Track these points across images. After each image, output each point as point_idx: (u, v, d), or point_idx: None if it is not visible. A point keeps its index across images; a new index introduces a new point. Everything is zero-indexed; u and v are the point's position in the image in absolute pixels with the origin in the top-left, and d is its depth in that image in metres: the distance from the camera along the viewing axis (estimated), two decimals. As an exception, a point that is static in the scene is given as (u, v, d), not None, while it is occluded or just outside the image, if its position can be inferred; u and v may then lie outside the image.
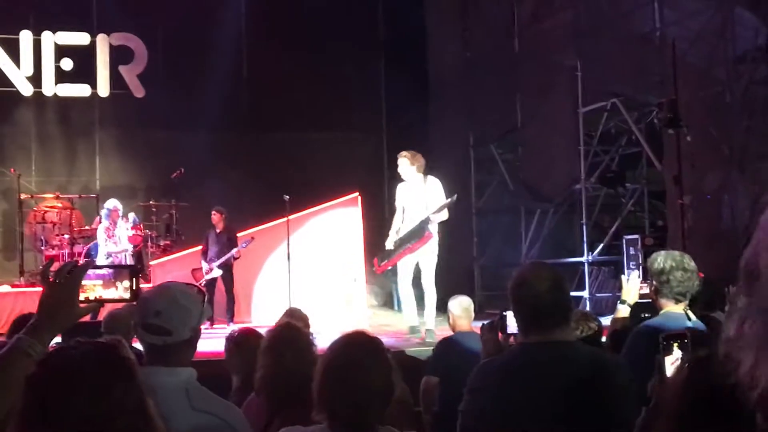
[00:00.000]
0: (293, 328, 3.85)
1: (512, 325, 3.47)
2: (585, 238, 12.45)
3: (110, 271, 2.26)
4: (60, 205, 13.06)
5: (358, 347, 2.68)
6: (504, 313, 3.55)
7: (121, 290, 2.24)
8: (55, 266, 2.17)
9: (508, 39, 13.94)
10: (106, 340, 1.87)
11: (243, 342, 4.35)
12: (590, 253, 12.42)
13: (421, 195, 9.71)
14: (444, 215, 9.66)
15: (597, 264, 12.65)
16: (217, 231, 11.66)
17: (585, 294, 12.07)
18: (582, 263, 12.38)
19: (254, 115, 14.48)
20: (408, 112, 15.42)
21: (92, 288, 2.19)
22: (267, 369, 3.58)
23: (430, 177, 9.92)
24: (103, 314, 8.98)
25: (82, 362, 1.78)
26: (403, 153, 10.02)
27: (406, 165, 9.89)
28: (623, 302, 4.55)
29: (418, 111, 15.55)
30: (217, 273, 11.43)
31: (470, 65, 14.88)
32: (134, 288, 2.24)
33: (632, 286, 4.55)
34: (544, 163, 13.31)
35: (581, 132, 12.45)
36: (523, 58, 13.69)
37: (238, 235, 11.93)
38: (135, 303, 2.45)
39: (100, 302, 2.25)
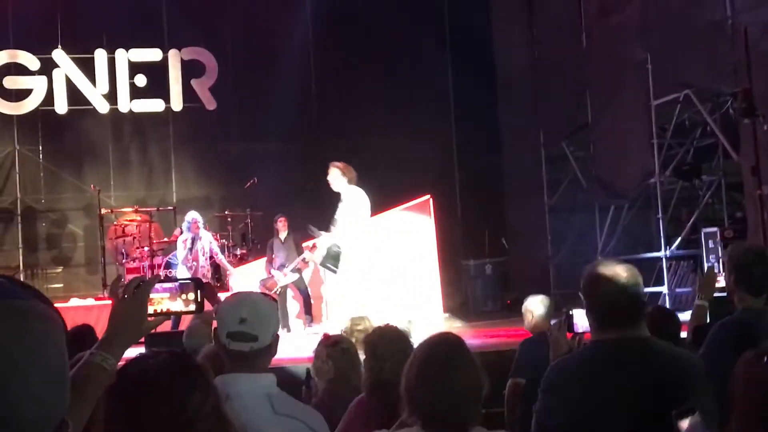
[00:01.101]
0: (398, 331, 3.92)
1: (579, 323, 3.43)
2: (662, 233, 12.25)
3: (176, 284, 2.29)
4: (139, 218, 13.37)
5: (449, 347, 2.69)
6: (570, 312, 3.50)
7: (186, 302, 2.27)
8: (125, 281, 2.24)
9: (576, 35, 13.82)
10: (180, 350, 1.94)
11: (336, 347, 4.38)
12: (668, 247, 12.22)
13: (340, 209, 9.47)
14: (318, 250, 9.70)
15: (675, 258, 12.43)
16: (282, 238, 11.78)
17: (664, 289, 11.87)
18: (660, 258, 12.19)
19: (323, 121, 14.61)
20: (477, 113, 15.40)
21: (160, 301, 2.24)
22: (380, 373, 3.64)
23: (353, 189, 9.57)
24: (183, 324, 9.19)
25: (159, 371, 1.84)
26: (336, 163, 9.70)
27: (338, 176, 9.57)
28: (701, 297, 4.45)
29: (487, 111, 15.51)
30: (291, 278, 11.54)
31: (538, 63, 14.78)
32: (199, 300, 2.28)
33: (710, 281, 4.45)
34: (617, 158, 13.14)
35: (654, 125, 12.26)
36: (592, 54, 13.54)
37: (305, 244, 12.03)
38: (204, 313, 2.49)
39: (168, 315, 2.29)
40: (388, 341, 3.84)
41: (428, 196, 13.41)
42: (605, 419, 2.80)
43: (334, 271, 10.10)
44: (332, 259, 9.91)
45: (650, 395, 2.78)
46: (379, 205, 12.85)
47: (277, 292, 11.33)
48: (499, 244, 15.42)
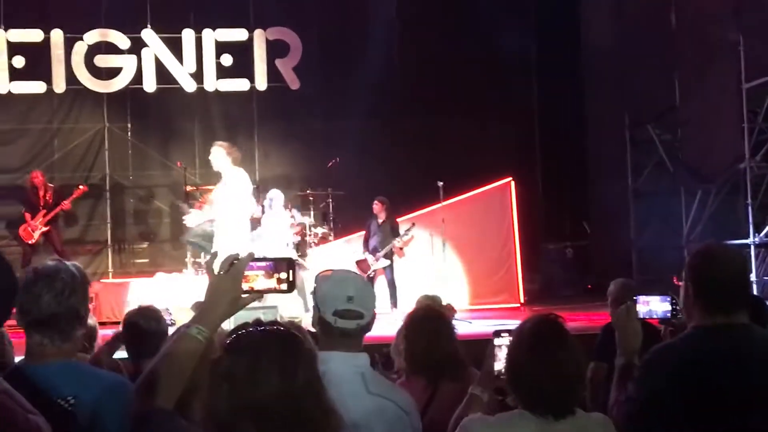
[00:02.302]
0: (435, 310, 3.94)
1: (641, 310, 3.34)
2: (750, 219, 11.95)
3: (270, 262, 2.32)
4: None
5: (557, 327, 2.68)
6: (635, 298, 3.39)
7: (279, 281, 2.30)
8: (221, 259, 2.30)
9: (664, 14, 13.49)
10: (286, 327, 1.97)
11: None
12: (756, 234, 11.91)
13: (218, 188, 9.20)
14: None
15: (764, 246, 12.12)
16: (379, 221, 11.86)
17: (752, 277, 11.59)
18: (747, 245, 11.89)
19: (406, 101, 14.57)
20: (561, 93, 15.19)
21: (255, 278, 2.27)
22: (419, 348, 3.66)
23: (235, 170, 9.18)
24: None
25: (269, 345, 1.87)
26: (219, 143, 9.35)
27: (222, 155, 9.15)
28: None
29: (572, 91, 15.29)
30: (383, 263, 11.63)
31: (624, 43, 14.46)
32: (291, 279, 2.30)
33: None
34: (706, 142, 12.84)
35: (745, 109, 11.94)
36: (681, 34, 13.21)
37: (396, 221, 12.09)
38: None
39: (261, 293, 2.32)
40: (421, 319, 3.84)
41: (509, 179, 13.34)
42: (718, 408, 2.72)
43: (202, 249, 10.09)
44: (201, 237, 9.92)
45: (763, 381, 2.71)
46: (459, 187, 12.84)
47: (370, 275, 11.44)
48: (581, 227, 15.23)
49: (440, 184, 11.51)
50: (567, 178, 15.25)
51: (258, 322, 1.94)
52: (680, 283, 2.98)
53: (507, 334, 3.12)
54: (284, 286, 2.30)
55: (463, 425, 2.70)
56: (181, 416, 2.05)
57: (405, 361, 3.74)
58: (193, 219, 9.95)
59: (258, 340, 1.89)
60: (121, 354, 4.41)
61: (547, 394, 2.56)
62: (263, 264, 2.31)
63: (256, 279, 2.28)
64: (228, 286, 2.23)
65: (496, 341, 3.09)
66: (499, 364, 3.07)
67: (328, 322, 2.72)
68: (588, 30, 15.28)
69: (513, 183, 13.37)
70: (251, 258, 2.27)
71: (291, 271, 2.31)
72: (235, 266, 2.23)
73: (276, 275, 2.30)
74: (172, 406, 2.09)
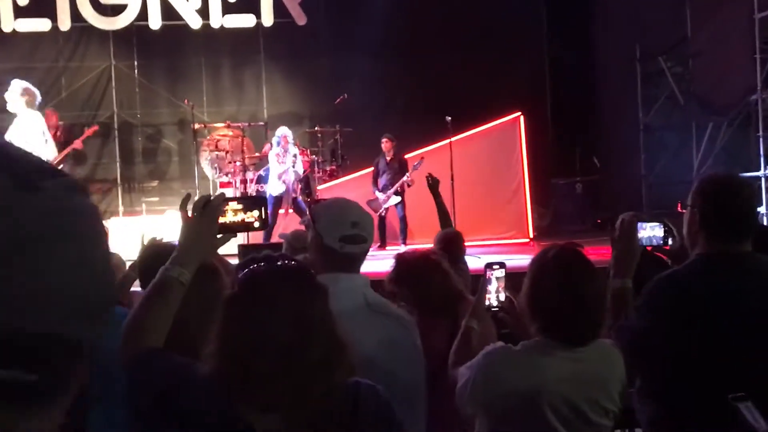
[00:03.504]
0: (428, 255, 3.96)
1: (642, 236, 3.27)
2: (762, 152, 11.87)
3: (243, 201, 2.40)
4: (231, 133, 13.55)
5: (580, 255, 2.69)
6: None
7: (253, 218, 2.38)
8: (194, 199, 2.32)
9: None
10: (298, 262, 1.96)
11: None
12: (767, 167, 11.84)
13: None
14: None
15: (775, 178, 12.06)
16: (388, 158, 11.86)
17: (762, 209, 11.55)
18: (758, 178, 11.83)
19: (414, 36, 14.41)
20: (570, 26, 15.00)
21: (228, 216, 2.35)
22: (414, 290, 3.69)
23: (30, 112, 8.82)
24: (274, 236, 9.36)
25: (282, 283, 1.86)
26: (20, 82, 8.90)
27: (15, 95, 8.77)
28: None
29: (581, 24, 15.10)
30: (394, 201, 11.67)
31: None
32: (264, 216, 2.39)
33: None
34: (717, 74, 12.69)
35: (757, 39, 11.77)
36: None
37: (405, 157, 12.08)
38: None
39: (236, 231, 2.41)
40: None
41: (518, 113, 13.25)
42: (730, 338, 2.72)
43: None
44: None
45: None
46: (468, 122, 12.76)
47: (382, 215, 11.49)
48: (591, 162, 15.17)
49: (448, 119, 11.44)
50: (577, 113, 15.12)
51: (268, 257, 1.93)
52: (684, 211, 2.94)
53: (498, 266, 3.14)
54: (257, 224, 2.39)
55: (487, 353, 2.72)
56: (181, 353, 2.06)
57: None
58: None
59: (273, 276, 1.88)
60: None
61: (573, 321, 2.58)
62: (235, 203, 2.37)
63: (230, 217, 2.35)
64: (204, 227, 2.26)
65: (489, 274, 3.12)
66: (492, 297, 3.11)
67: (332, 248, 2.75)
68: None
69: (522, 118, 13.28)
70: (223, 198, 2.31)
71: (263, 209, 2.40)
72: (209, 207, 2.27)
73: (248, 213, 2.37)
74: (161, 345, 2.11)
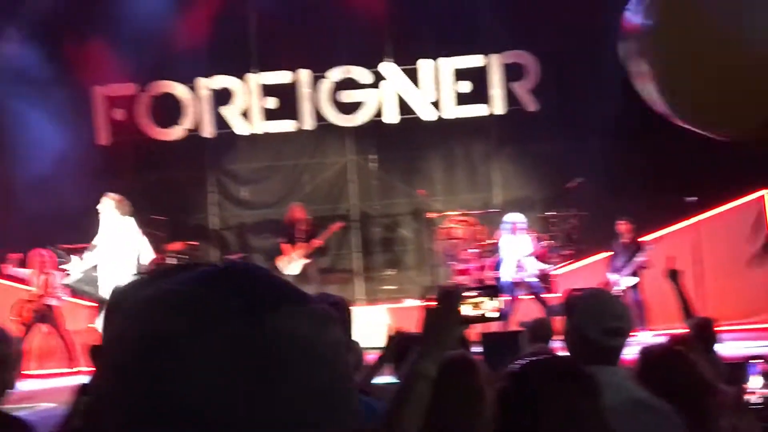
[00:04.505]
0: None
1: None
2: None
3: (478, 291, 2.43)
4: (465, 221, 13.70)
5: None
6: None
7: (489, 309, 2.40)
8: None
9: None
10: (565, 358, 1.97)
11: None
12: None
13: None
14: None
15: None
16: (625, 241, 11.60)
17: None
18: None
19: (646, 116, 14.04)
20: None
21: (466, 308, 2.36)
22: None
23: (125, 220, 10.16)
24: (511, 323, 9.29)
25: (557, 376, 1.88)
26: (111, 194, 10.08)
27: (110, 207, 9.90)
28: None
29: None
30: (630, 281, 11.35)
31: None
32: (500, 307, 2.43)
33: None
34: None
35: None
36: None
37: (641, 239, 11.74)
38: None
39: (474, 321, 2.42)
40: None
41: (763, 191, 12.61)
42: None
43: (89, 295, 10.51)
44: (86, 283, 10.24)
45: None
46: (704, 202, 12.20)
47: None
48: None
49: (690, 199, 11.04)
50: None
51: (538, 352, 1.99)
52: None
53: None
54: (496, 316, 2.42)
55: None
56: None
57: None
58: (77, 266, 10.42)
59: (544, 371, 1.93)
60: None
61: None
62: (472, 294, 2.41)
63: (469, 310, 2.37)
64: (448, 319, 2.30)
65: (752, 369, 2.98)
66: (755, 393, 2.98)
67: (594, 340, 2.72)
68: None
69: (767, 196, 12.60)
70: (462, 290, 2.38)
71: (498, 299, 2.43)
72: (449, 299, 2.31)
73: (486, 303, 2.39)
74: None
